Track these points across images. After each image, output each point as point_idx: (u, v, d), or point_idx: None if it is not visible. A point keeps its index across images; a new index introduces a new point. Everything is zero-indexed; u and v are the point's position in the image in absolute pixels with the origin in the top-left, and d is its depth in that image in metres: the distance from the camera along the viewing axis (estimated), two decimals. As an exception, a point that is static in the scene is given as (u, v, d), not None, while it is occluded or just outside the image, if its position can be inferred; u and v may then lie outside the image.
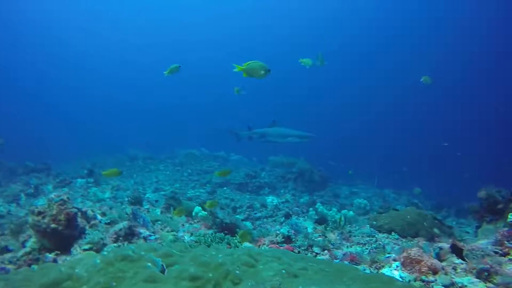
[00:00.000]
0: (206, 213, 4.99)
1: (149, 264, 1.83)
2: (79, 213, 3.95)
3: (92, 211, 4.71)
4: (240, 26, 41.79)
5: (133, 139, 21.19)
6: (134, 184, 10.13)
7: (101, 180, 8.89)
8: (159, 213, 6.04)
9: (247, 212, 7.35)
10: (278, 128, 9.94)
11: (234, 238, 3.57)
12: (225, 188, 9.47)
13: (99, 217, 4.58)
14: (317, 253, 3.43)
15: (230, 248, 3.05)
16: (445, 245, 3.53)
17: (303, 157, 11.07)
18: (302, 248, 3.49)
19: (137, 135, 24.08)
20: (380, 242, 4.98)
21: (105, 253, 1.78)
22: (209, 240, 3.34)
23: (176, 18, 41.49)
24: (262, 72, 4.28)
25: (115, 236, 3.98)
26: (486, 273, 2.43)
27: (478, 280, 2.43)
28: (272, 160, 11.63)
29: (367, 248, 4.66)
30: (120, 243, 3.91)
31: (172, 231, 4.73)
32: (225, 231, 4.50)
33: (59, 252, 3.39)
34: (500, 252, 2.83)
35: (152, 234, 4.47)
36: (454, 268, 2.77)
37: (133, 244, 3.33)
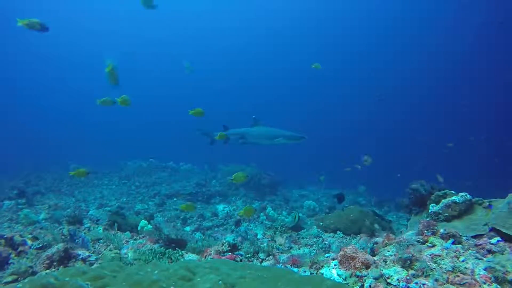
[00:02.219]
0: (151, 227, 4.80)
1: (74, 290, 1.71)
2: (2, 241, 3.56)
3: (21, 236, 4.28)
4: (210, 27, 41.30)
5: (74, 151, 19.66)
6: (75, 201, 9.40)
7: (35, 200, 8.11)
8: (101, 231, 5.68)
9: (197, 223, 7.22)
10: (262, 128, 8.52)
11: (176, 252, 3.48)
12: (175, 199, 9.22)
13: (29, 242, 4.18)
14: (262, 259, 3.49)
15: (171, 263, 2.97)
16: (380, 239, 3.82)
17: (255, 163, 11.20)
18: (248, 255, 3.53)
19: (78, 148, 22.39)
20: (326, 242, 5.22)
21: (20, 285, 1.62)
22: (150, 256, 3.22)
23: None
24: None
25: (47, 261, 3.66)
26: (409, 262, 2.67)
27: (403, 269, 2.66)
28: (222, 169, 11.48)
29: (314, 249, 4.85)
30: (54, 269, 3.61)
31: (115, 249, 4.48)
32: (173, 245, 4.38)
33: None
34: (421, 240, 3.13)
35: (92, 254, 4.19)
36: (385, 261, 2.99)
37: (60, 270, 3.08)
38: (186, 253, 4.17)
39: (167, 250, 3.36)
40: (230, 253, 3.39)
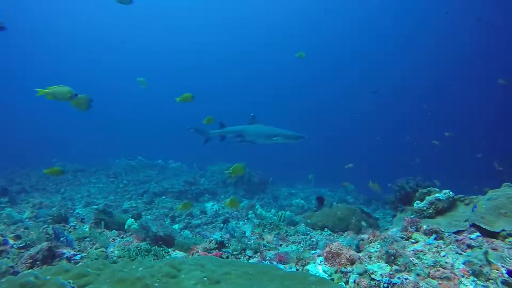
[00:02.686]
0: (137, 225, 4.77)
1: (55, 288, 1.69)
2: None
3: (2, 235, 4.20)
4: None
5: (61, 149, 19.29)
6: (61, 200, 9.24)
7: (19, 199, 7.94)
8: (87, 229, 5.60)
9: (186, 220, 7.20)
10: (260, 126, 8.14)
11: (162, 249, 3.47)
12: (163, 197, 9.15)
13: (10, 241, 4.10)
14: (249, 256, 3.50)
15: (156, 260, 2.96)
16: (366, 236, 3.88)
17: (244, 161, 11.18)
18: (236, 252, 3.53)
19: (65, 145, 21.97)
20: (314, 239, 5.26)
21: (-2, 282, 1.59)
22: (134, 253, 3.19)
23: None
24: (68, 95, 4.45)
25: (30, 261, 3.59)
26: (392, 257, 2.72)
27: (386, 264, 2.71)
28: (210, 169, 11.37)
29: (302, 246, 4.89)
30: (37, 269, 3.55)
31: (101, 247, 4.43)
32: (160, 243, 4.35)
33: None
34: (405, 237, 3.20)
35: (78, 253, 4.13)
36: (370, 257, 3.04)
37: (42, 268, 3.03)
38: (174, 250, 4.16)
39: (152, 248, 3.35)
40: (217, 251, 3.40)
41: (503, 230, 3.06)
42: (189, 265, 2.19)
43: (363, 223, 6.07)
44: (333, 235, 5.69)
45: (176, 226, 7.00)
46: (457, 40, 29.70)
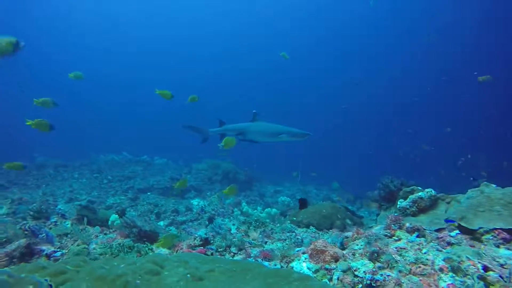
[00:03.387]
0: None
1: (30, 287, 1.63)
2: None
3: (-25, 232, 4.03)
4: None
5: (42, 143, 18.72)
6: (42, 195, 8.98)
7: (-4, 194, 7.67)
8: (69, 225, 5.46)
9: (171, 217, 7.12)
10: (264, 123, 7.54)
11: (145, 245, 3.41)
12: (148, 193, 9.03)
13: (-16, 239, 3.94)
14: (234, 253, 3.49)
15: (140, 256, 2.91)
16: (350, 233, 3.93)
17: (230, 158, 11.17)
18: (220, 249, 3.51)
19: (46, 139, 21.27)
20: (299, 237, 5.30)
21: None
22: (117, 250, 3.13)
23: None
24: (10, 48, 3.72)
25: (6, 259, 3.48)
26: (376, 254, 2.76)
27: (370, 261, 2.75)
28: (196, 167, 11.19)
29: (287, 243, 4.91)
30: (14, 267, 3.43)
31: (83, 243, 4.32)
32: (144, 239, 4.29)
33: None
34: (388, 234, 3.25)
35: (58, 250, 4.03)
36: (353, 254, 3.07)
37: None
38: (157, 247, 4.10)
39: (135, 244, 3.28)
40: (201, 248, 3.37)
41: (481, 228, 3.16)
42: (173, 262, 2.16)
43: (348, 221, 6.15)
44: (318, 233, 5.75)
45: (161, 223, 6.92)
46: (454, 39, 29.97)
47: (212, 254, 3.26)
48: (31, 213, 5.97)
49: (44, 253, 3.82)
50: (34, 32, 34.21)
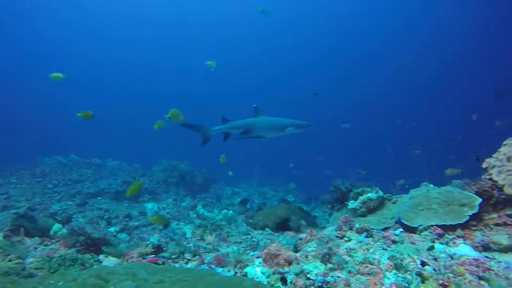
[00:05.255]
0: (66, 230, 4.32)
1: None
2: None
3: None
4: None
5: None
6: (-31, 204, 8.00)
7: None
8: (1, 238, 4.90)
9: (123, 223, 6.76)
10: (268, 118, 7.19)
11: (91, 257, 3.18)
12: (99, 198, 8.48)
13: None
14: (188, 260, 3.39)
15: (83, 270, 2.69)
16: (304, 235, 4.02)
17: (188, 160, 10.91)
18: (174, 256, 3.39)
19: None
20: (255, 239, 5.32)
21: None
22: (56, 264, 2.86)
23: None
24: None
25: None
26: (327, 256, 2.85)
27: (322, 263, 2.83)
28: (155, 169, 10.76)
29: (243, 246, 4.90)
30: None
31: (17, 258, 3.89)
32: (92, 248, 4.00)
33: None
34: (339, 235, 3.38)
35: (-17, 268, 3.58)
36: (306, 256, 3.14)
37: None
38: (106, 256, 3.83)
39: (79, 256, 3.03)
40: (153, 255, 3.22)
41: (420, 225, 3.43)
42: (120, 274, 2.03)
43: (303, 222, 6.31)
44: (274, 235, 5.82)
45: (112, 229, 6.53)
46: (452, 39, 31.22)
47: (163, 263, 3.12)
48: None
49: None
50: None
